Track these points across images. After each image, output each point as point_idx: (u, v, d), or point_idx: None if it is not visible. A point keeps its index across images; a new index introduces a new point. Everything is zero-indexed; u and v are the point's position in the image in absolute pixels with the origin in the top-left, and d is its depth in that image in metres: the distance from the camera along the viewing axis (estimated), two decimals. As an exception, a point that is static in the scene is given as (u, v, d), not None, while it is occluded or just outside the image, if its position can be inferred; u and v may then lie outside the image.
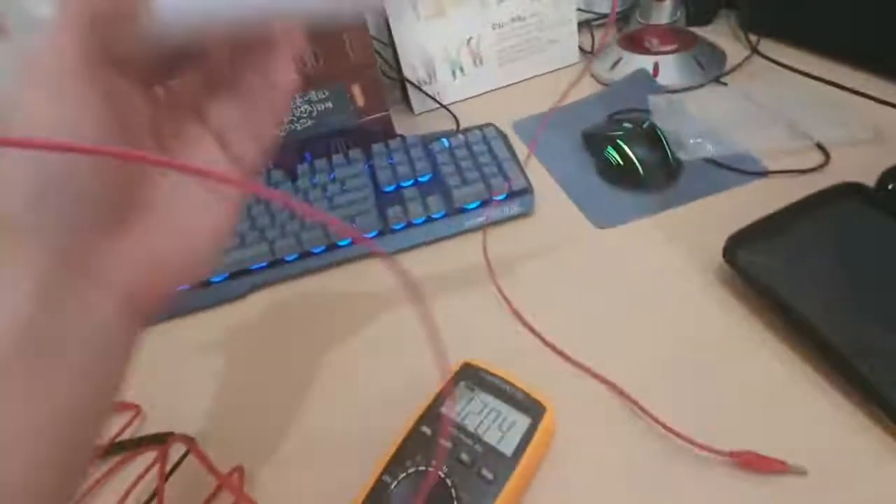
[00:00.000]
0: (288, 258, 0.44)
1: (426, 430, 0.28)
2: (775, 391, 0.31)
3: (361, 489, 0.26)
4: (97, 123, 0.16)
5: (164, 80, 0.21)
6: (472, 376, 0.30)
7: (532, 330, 0.36)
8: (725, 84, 0.56)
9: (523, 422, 0.27)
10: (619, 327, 0.36)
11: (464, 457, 0.26)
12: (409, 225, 0.45)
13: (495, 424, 0.28)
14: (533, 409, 0.28)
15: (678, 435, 0.28)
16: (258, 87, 0.21)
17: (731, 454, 0.27)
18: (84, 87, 0.16)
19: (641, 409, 0.30)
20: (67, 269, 0.17)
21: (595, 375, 0.33)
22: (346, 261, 0.44)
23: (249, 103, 0.21)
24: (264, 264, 0.44)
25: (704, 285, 0.37)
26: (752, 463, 0.27)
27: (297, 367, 0.37)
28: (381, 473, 0.26)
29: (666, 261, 0.39)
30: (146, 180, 0.19)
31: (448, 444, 0.27)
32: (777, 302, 0.32)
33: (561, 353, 0.34)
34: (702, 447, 0.28)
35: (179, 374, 0.38)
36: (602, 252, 0.41)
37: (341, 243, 0.44)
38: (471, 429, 0.28)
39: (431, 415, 0.28)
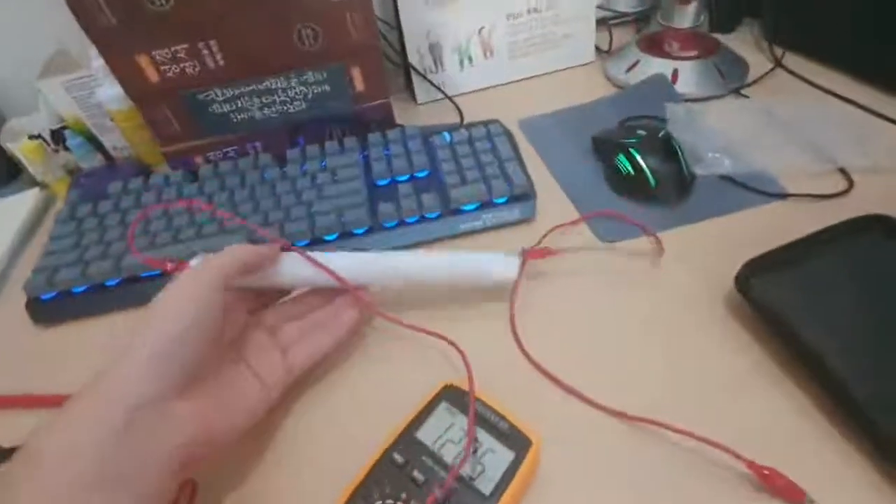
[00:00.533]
0: (269, 249, 0.41)
1: (398, 457, 0.25)
2: (781, 435, 0.28)
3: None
4: (211, 320, 0.26)
5: (261, 307, 0.33)
6: (453, 399, 0.27)
7: (521, 349, 0.33)
8: (747, 97, 0.53)
9: (506, 456, 0.25)
10: (616, 352, 0.33)
11: (437, 493, 0.24)
12: (402, 223, 0.42)
13: (476, 456, 0.25)
14: (518, 441, 0.25)
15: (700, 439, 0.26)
16: (325, 318, 0.33)
17: (751, 465, 0.25)
18: (212, 296, 0.26)
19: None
20: (149, 409, 0.22)
21: (589, 402, 0.30)
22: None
23: (314, 328, 0.33)
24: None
25: (712, 313, 0.34)
26: (775, 481, 0.25)
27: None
28: (344, 505, 0.24)
29: (672, 283, 0.37)
30: (220, 362, 0.28)
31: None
32: (791, 340, 0.30)
33: (552, 378, 0.32)
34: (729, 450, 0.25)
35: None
36: (604, 267, 0.38)
37: (328, 237, 0.41)
38: (447, 460, 0.25)
39: (406, 441, 0.26)
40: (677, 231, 0.40)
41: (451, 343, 0.31)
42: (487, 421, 0.26)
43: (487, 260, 0.35)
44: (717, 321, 0.34)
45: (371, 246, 0.41)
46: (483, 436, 0.26)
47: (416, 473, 0.24)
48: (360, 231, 0.41)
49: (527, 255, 0.36)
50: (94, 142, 0.56)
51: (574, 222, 0.41)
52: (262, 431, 0.31)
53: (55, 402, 0.33)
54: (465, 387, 0.27)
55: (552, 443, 0.27)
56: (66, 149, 0.56)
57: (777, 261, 0.33)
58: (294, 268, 0.32)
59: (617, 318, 0.35)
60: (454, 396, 0.27)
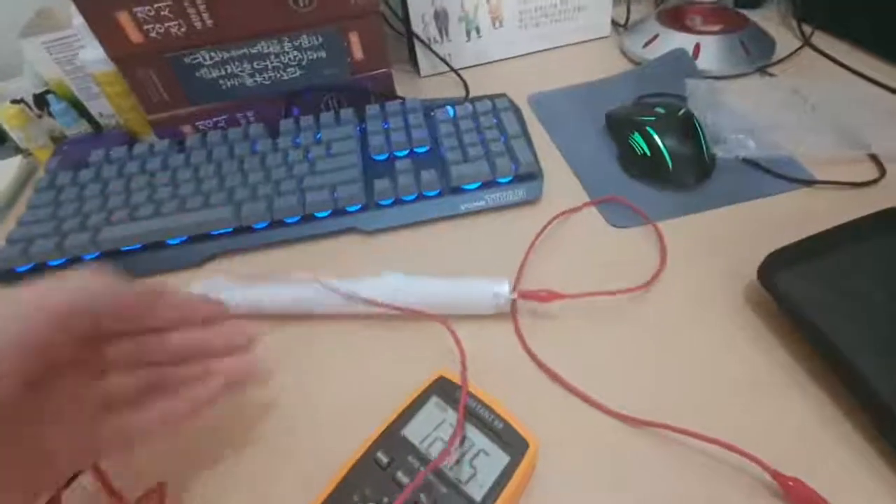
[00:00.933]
0: (256, 226, 0.38)
1: (381, 457, 0.23)
2: (804, 441, 0.26)
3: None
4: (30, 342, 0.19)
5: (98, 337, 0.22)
6: (445, 394, 0.25)
7: (522, 341, 0.31)
8: (772, 76, 0.50)
9: (500, 459, 0.23)
10: (625, 348, 0.31)
11: (422, 498, 0.21)
12: (398, 201, 0.39)
13: (467, 458, 0.23)
14: (514, 443, 0.23)
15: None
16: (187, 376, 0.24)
17: (776, 474, 0.23)
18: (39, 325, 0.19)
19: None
20: None
21: (593, 403, 0.28)
22: (322, 236, 0.39)
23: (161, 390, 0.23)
24: (228, 230, 0.38)
25: (730, 308, 0.32)
26: (800, 493, 0.22)
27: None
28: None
29: (688, 273, 0.34)
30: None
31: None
32: (818, 338, 0.27)
33: (554, 375, 0.29)
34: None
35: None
36: (614, 255, 0.36)
37: (319, 215, 0.39)
38: (432, 460, 0.23)
39: (391, 439, 0.23)
40: (695, 217, 0.37)
41: (443, 323, 0.29)
42: (481, 419, 0.24)
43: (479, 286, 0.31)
44: (735, 317, 0.31)
45: (363, 224, 0.39)
46: (475, 435, 0.23)
47: (399, 475, 0.22)
48: (353, 209, 0.39)
49: (518, 295, 0.31)
50: (79, 108, 0.53)
51: (578, 209, 0.39)
52: (235, 432, 0.29)
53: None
54: (460, 379, 0.25)
55: (551, 446, 0.25)
56: (51, 115, 0.53)
57: (804, 253, 0.30)
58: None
59: (625, 313, 0.32)
60: (447, 390, 0.25)
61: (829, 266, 0.30)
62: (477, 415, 0.24)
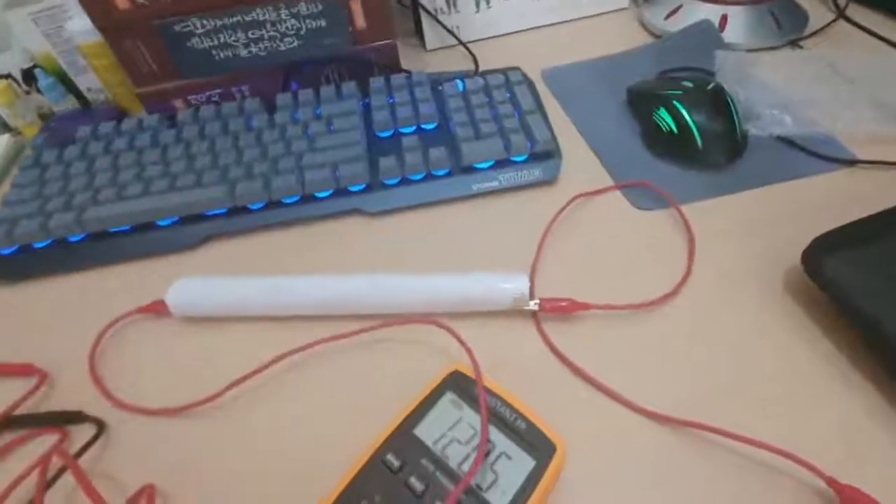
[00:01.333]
0: (252, 207, 0.36)
1: (392, 460, 0.20)
2: (854, 442, 0.23)
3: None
4: None
5: None
6: (461, 389, 0.22)
7: (542, 335, 0.28)
8: (804, 49, 0.47)
9: (525, 464, 0.20)
10: (652, 340, 0.28)
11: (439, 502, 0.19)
12: (405, 181, 0.36)
13: (487, 462, 0.20)
14: (539, 446, 0.21)
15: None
16: None
17: (831, 481, 0.21)
18: None
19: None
20: None
21: (621, 401, 0.25)
22: (323, 217, 0.36)
23: None
24: (222, 211, 0.36)
25: (767, 295, 0.29)
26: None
27: (244, 341, 0.30)
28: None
29: (720, 260, 0.31)
30: None
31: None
32: (870, 329, 0.25)
33: (577, 370, 0.27)
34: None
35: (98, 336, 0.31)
36: (639, 241, 0.33)
37: (320, 195, 0.36)
38: (451, 464, 0.20)
39: (402, 439, 0.21)
40: (726, 200, 0.34)
41: (443, 326, 0.27)
42: (502, 418, 0.21)
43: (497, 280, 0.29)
44: (772, 305, 0.29)
45: (367, 206, 0.36)
46: (496, 436, 0.21)
47: (413, 480, 0.20)
48: (357, 188, 0.36)
49: (542, 307, 0.29)
50: (67, 83, 0.50)
51: (600, 191, 0.36)
52: (228, 431, 0.26)
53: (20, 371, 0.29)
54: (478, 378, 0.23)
55: (576, 447, 0.23)
56: (39, 91, 0.50)
57: (852, 238, 0.28)
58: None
59: (652, 304, 0.30)
60: (462, 386, 0.23)
61: (879, 252, 0.27)
62: (497, 413, 0.22)
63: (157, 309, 0.31)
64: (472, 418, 0.22)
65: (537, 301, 0.28)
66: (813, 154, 0.36)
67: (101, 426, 0.27)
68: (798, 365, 0.26)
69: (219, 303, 0.30)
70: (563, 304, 0.28)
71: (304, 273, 0.31)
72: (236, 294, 0.30)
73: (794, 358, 0.26)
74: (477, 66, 0.49)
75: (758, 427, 0.24)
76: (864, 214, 0.29)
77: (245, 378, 0.27)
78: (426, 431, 0.21)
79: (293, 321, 0.30)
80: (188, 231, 0.35)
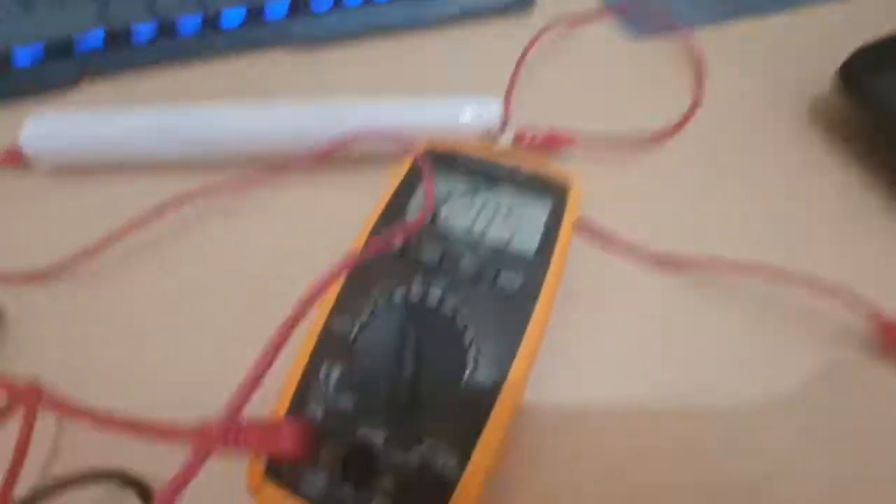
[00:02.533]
0: (137, 37, 0.27)
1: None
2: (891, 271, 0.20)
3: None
4: None
5: None
6: (444, 163, 0.19)
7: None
8: None
9: (541, 206, 0.18)
10: (662, 174, 0.23)
11: (463, 266, 0.16)
12: (338, 4, 0.28)
13: (497, 219, 0.18)
14: (550, 188, 0.18)
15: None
16: None
17: (877, 317, 0.18)
18: None
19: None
20: None
21: (630, 247, 0.21)
22: (235, 51, 0.28)
23: None
24: (98, 43, 0.27)
25: (793, 126, 0.24)
26: None
27: (130, 195, 0.23)
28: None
29: (733, 90, 0.25)
30: None
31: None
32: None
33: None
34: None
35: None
36: (636, 75, 0.27)
37: (227, 22, 0.28)
38: (458, 232, 0.17)
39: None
40: (743, 25, 0.28)
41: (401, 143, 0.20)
42: (500, 176, 0.19)
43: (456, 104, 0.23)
44: (800, 136, 0.24)
45: (290, 36, 0.28)
46: (500, 195, 0.18)
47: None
48: (276, 13, 0.28)
49: (519, 138, 0.23)
50: None
51: (588, 17, 0.29)
52: (106, 297, 0.21)
53: None
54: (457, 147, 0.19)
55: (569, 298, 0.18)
56: None
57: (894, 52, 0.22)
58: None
59: (657, 135, 0.24)
60: (442, 158, 0.19)
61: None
62: (489, 173, 0.19)
63: (13, 160, 0.24)
64: (466, 183, 0.19)
65: (512, 134, 0.22)
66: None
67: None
68: (831, 200, 0.22)
69: (94, 143, 0.23)
70: (548, 135, 0.22)
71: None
72: (117, 129, 0.23)
73: (824, 189, 0.22)
74: None
75: (779, 257, 0.20)
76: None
77: (131, 229, 0.21)
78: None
79: (197, 168, 0.23)
80: (54, 69, 0.27)
